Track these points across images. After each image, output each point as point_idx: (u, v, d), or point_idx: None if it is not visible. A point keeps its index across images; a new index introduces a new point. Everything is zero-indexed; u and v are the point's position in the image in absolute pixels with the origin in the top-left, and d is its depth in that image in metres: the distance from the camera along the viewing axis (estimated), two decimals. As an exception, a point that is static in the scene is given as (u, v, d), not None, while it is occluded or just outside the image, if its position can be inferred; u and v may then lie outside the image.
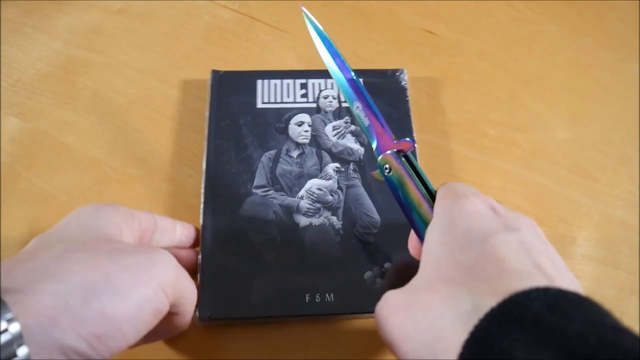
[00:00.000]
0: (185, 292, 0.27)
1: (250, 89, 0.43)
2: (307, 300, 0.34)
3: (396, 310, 0.24)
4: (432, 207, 0.28)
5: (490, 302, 0.20)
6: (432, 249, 0.25)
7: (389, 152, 0.31)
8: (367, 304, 0.32)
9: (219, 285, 0.35)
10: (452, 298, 0.22)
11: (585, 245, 0.41)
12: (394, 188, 0.30)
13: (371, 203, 0.38)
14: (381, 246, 0.36)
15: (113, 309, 0.22)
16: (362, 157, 0.40)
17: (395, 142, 0.31)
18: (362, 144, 0.41)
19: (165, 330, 0.29)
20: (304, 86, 0.43)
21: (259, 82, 0.43)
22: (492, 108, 0.47)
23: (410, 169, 0.30)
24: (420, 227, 0.29)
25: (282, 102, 0.42)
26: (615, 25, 0.53)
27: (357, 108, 0.33)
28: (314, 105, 0.42)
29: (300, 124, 0.41)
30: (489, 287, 0.21)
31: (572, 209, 0.42)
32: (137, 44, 0.50)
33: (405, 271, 0.34)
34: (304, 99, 0.42)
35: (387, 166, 0.31)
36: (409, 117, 0.43)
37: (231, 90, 0.43)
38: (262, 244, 0.36)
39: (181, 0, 0.53)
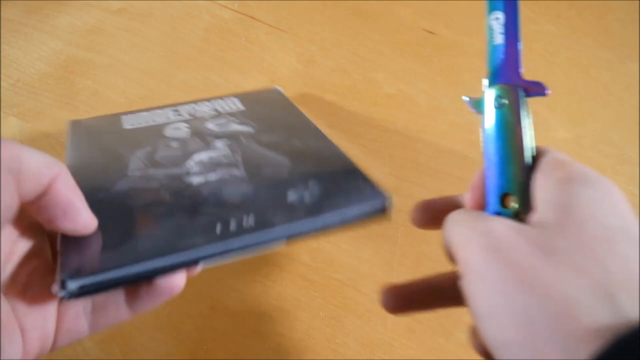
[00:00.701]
0: (24, 157, 0.21)
1: (114, 120, 0.38)
2: (218, 231, 0.26)
3: (524, 248, 0.20)
4: (525, 163, 0.24)
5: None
6: (577, 205, 0.20)
7: (515, 85, 0.26)
8: (301, 221, 0.27)
9: (86, 242, 0.24)
10: (604, 284, 0.18)
11: (585, 245, 0.41)
12: (499, 125, 0.25)
13: (275, 153, 0.33)
14: (299, 171, 0.31)
15: None
16: (253, 131, 0.36)
17: (523, 79, 0.26)
18: (252, 126, 0.37)
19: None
20: (176, 112, 0.39)
21: (123, 116, 0.39)
22: (492, 108, 0.47)
23: (525, 114, 0.25)
24: (504, 174, 0.25)
25: (153, 122, 0.38)
26: (615, 25, 0.53)
27: (496, 19, 0.27)
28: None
29: (177, 128, 0.37)
30: None
31: (572, 209, 0.42)
32: (137, 44, 0.50)
33: (340, 178, 0.31)
34: (179, 117, 0.39)
35: (503, 99, 0.26)
36: (308, 121, 0.38)
37: (93, 122, 0.38)
38: (147, 203, 0.28)
39: (181, 0, 0.53)
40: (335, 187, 0.29)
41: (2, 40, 0.50)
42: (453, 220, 0.23)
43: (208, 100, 0.41)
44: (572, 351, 0.17)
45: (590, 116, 0.47)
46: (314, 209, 0.28)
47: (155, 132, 0.36)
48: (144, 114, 0.39)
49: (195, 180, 0.30)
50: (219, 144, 0.34)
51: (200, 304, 0.37)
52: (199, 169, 0.32)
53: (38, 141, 0.44)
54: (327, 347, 0.35)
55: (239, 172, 0.31)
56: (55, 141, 0.44)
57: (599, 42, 0.52)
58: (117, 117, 0.39)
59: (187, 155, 0.33)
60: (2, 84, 0.47)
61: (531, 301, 0.18)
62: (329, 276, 0.38)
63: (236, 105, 0.40)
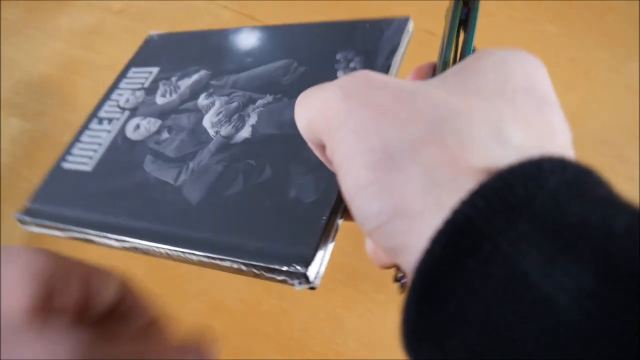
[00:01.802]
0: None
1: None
2: None
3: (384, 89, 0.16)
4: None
5: (529, 147, 0.14)
6: (475, 66, 0.17)
7: None
8: None
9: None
10: (492, 120, 0.15)
11: (585, 245, 0.41)
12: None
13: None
14: None
15: None
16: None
17: None
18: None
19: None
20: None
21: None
22: (492, 108, 0.47)
23: (456, 21, 0.23)
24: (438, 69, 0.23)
25: None
26: (615, 25, 0.53)
27: None
28: None
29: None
30: (540, 141, 0.15)
31: (572, 209, 0.42)
32: (137, 44, 0.50)
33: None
34: None
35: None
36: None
37: None
38: None
39: (181, 0, 0.53)
40: None
41: (3, 40, 0.50)
42: (303, 96, 0.18)
43: None
44: (438, 188, 0.13)
45: (590, 116, 0.47)
46: None
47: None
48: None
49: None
50: (202, 101, 0.32)
51: (200, 304, 0.37)
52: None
53: (38, 141, 0.44)
54: (327, 347, 0.35)
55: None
56: (56, 141, 0.44)
57: (599, 42, 0.52)
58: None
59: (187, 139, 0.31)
60: (3, 85, 0.47)
61: (389, 131, 0.14)
62: (329, 276, 0.38)
63: None
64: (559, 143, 0.16)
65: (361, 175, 0.15)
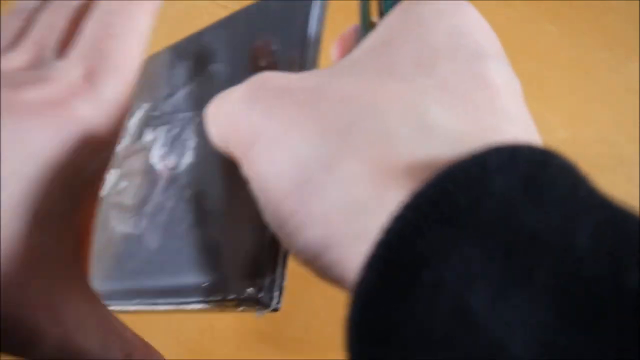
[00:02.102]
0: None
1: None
2: None
3: (286, 96, 0.13)
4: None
5: (473, 139, 0.11)
6: (396, 26, 0.14)
7: None
8: None
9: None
10: (414, 107, 0.12)
11: (585, 245, 0.41)
12: None
13: None
14: None
15: None
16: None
17: None
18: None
19: None
20: None
21: None
22: (492, 108, 0.47)
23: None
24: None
25: None
26: (615, 25, 0.53)
27: None
28: None
29: None
30: (475, 117, 0.12)
31: (572, 209, 0.42)
32: (137, 44, 0.50)
33: None
34: None
35: None
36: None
37: None
38: None
39: (181, 0, 0.53)
40: None
41: (2, 40, 0.50)
42: (209, 110, 0.16)
43: None
44: (362, 208, 0.11)
45: (590, 116, 0.48)
46: None
47: None
48: None
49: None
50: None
51: (200, 304, 0.37)
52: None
53: (38, 141, 0.44)
54: (327, 347, 0.35)
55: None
56: (56, 141, 0.44)
57: (599, 42, 0.52)
58: None
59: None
60: (2, 84, 0.47)
61: (299, 148, 0.12)
62: (329, 276, 0.38)
63: None
64: (501, 106, 0.13)
65: (279, 206, 0.13)
